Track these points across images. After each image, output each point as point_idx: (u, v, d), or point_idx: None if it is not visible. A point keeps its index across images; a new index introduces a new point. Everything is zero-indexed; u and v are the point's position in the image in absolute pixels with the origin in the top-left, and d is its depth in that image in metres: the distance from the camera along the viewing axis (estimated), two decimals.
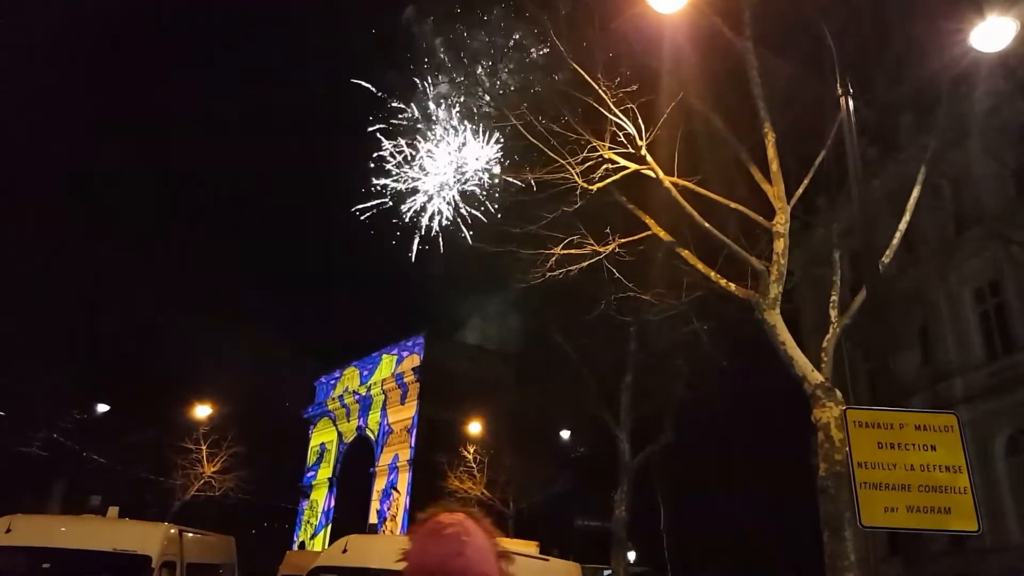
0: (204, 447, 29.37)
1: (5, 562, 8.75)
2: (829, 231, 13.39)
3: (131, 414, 33.03)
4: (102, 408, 31.84)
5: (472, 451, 31.33)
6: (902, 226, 11.59)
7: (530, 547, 11.39)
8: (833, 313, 11.49)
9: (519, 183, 13.97)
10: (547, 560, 10.33)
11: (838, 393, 10.00)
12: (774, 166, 11.31)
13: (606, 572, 26.26)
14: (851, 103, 8.19)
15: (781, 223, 11.10)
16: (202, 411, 31.66)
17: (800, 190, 11.67)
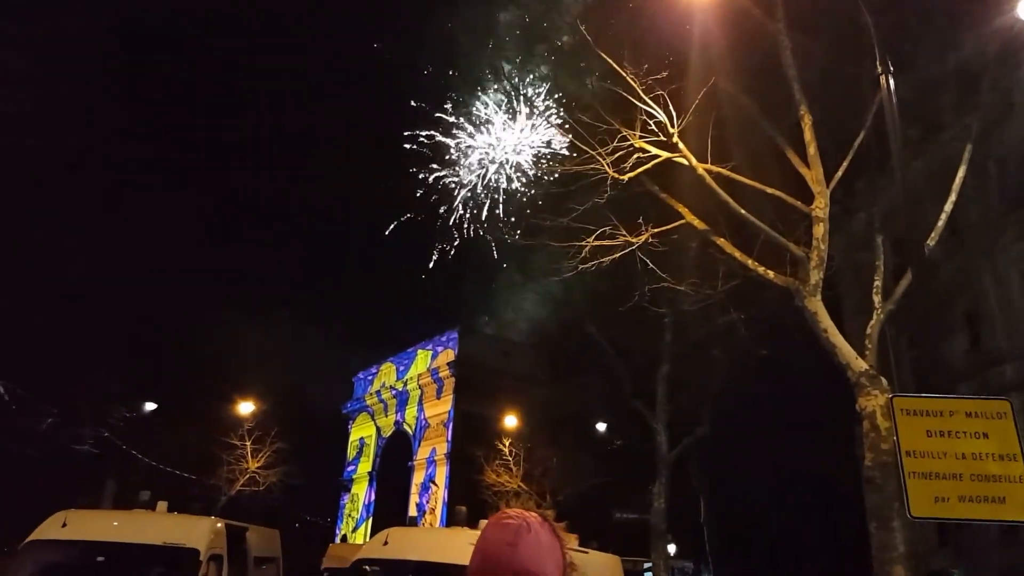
0: (248, 443, 29.92)
1: (61, 555, 9.03)
2: (870, 215, 13.05)
3: (178, 411, 33.79)
4: (150, 406, 32.62)
5: (508, 444, 31.37)
6: (948, 208, 11.26)
7: (569, 540, 11.35)
8: (876, 299, 11.22)
9: (551, 175, 13.90)
10: (587, 553, 10.29)
11: (883, 381, 9.77)
12: (811, 149, 11.07)
13: (646, 565, 26.12)
14: (891, 82, 7.96)
15: (820, 207, 10.87)
16: (245, 408, 32.27)
17: (839, 173, 11.39)
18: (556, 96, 13.99)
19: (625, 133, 11.64)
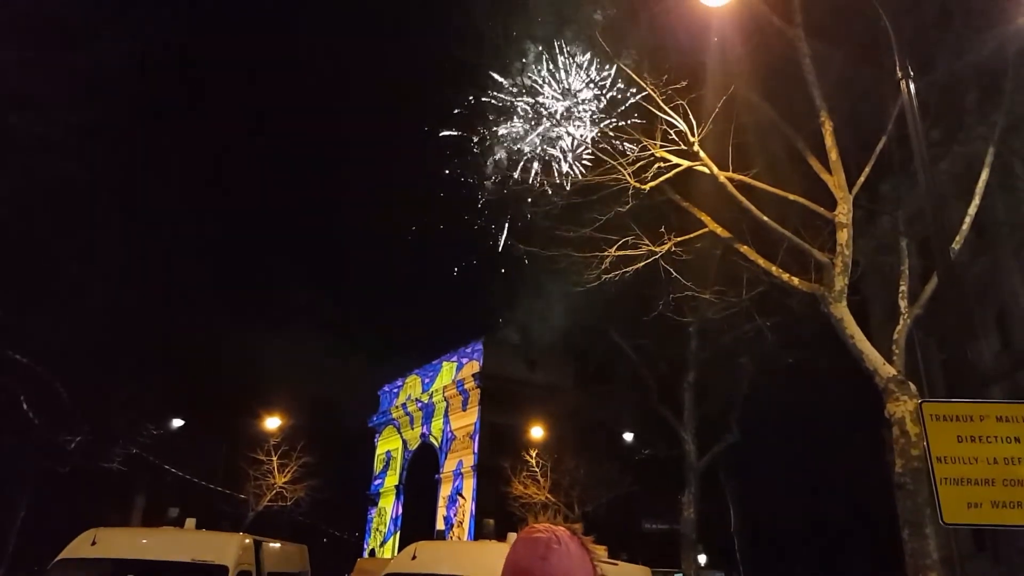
0: (275, 458, 30.19)
1: (91, 573, 9.15)
2: (895, 219, 12.92)
3: (205, 427, 34.19)
4: (177, 423, 33.02)
5: (535, 455, 31.30)
6: (972, 210, 11.13)
7: (598, 551, 11.29)
8: (903, 303, 11.10)
9: (570, 185, 13.91)
10: (616, 564, 10.24)
11: (912, 386, 9.66)
12: (833, 155, 11.01)
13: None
14: (912, 85, 7.90)
15: (844, 213, 10.80)
16: (272, 423, 32.58)
17: (862, 178, 11.32)
18: (577, 101, 14.01)
19: (646, 143, 11.67)
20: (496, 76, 14.42)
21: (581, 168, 13.12)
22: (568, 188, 13.52)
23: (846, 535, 35.45)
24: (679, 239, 12.54)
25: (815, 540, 37.06)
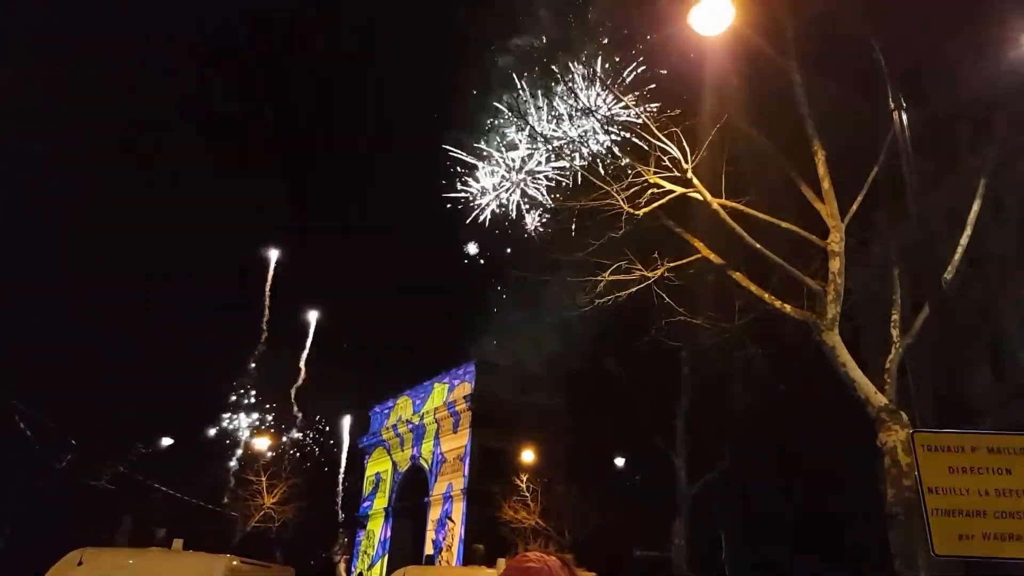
0: (264, 478, 29.96)
1: None
2: (887, 248, 13.03)
3: (193, 447, 33.95)
4: (166, 441, 32.78)
5: (525, 479, 31.09)
6: (964, 241, 11.22)
7: None
8: (895, 333, 11.15)
9: (565, 210, 14.00)
10: None
11: (904, 416, 9.67)
12: (826, 184, 11.12)
13: None
14: (904, 117, 8.00)
15: (836, 241, 10.88)
16: (261, 443, 32.38)
17: (854, 207, 11.42)
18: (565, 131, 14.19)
19: (640, 169, 11.76)
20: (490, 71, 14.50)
21: (589, 163, 13.14)
22: (561, 213, 13.62)
23: (842, 564, 35.17)
24: (672, 264, 12.59)
25: (809, 568, 36.75)
